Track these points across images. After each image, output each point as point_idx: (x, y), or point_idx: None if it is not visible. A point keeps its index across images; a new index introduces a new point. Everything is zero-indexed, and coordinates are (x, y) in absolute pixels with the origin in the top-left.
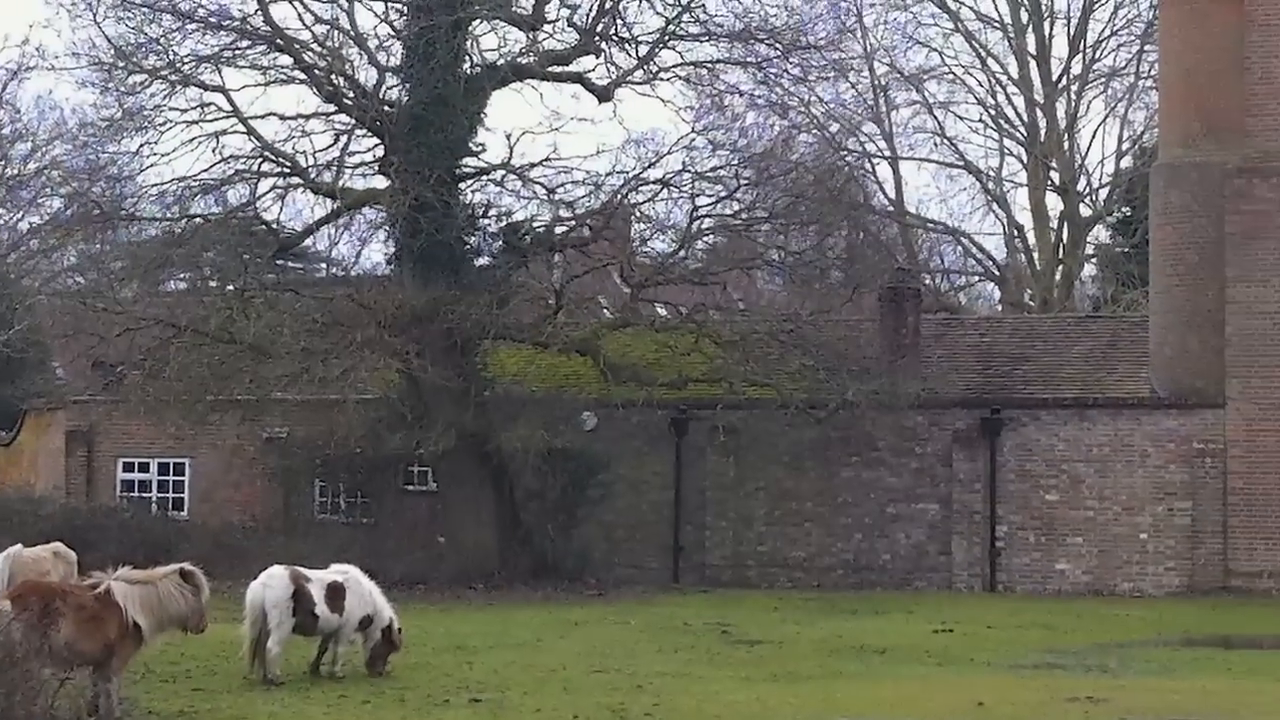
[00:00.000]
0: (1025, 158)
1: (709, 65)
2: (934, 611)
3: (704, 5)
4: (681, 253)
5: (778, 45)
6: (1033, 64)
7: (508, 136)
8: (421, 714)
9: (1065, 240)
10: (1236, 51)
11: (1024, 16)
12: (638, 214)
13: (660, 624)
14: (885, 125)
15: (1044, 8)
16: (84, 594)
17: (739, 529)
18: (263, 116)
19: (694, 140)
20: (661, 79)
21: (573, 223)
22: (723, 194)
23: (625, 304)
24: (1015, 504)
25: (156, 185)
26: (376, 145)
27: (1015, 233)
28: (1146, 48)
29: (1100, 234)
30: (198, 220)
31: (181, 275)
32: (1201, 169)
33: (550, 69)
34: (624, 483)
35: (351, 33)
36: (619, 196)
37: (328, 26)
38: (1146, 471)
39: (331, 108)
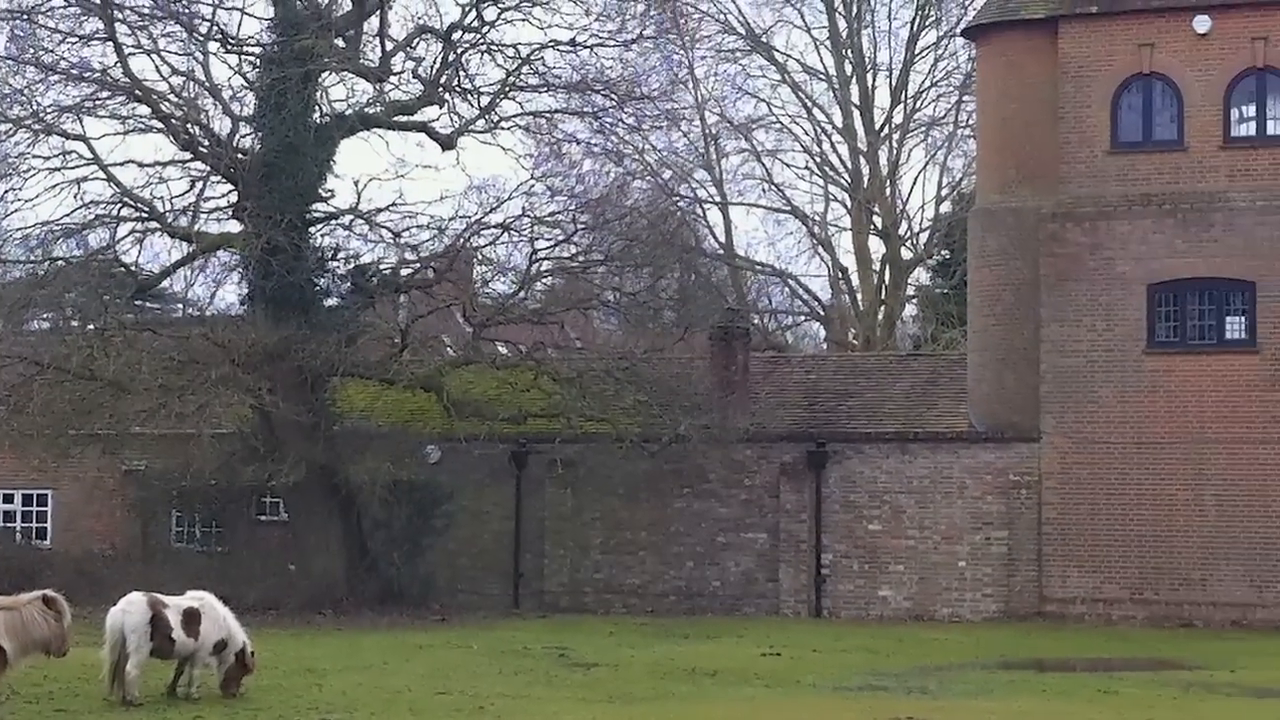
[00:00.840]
0: (849, 203)
1: (548, 115)
2: (762, 636)
3: (543, 58)
4: (521, 294)
5: (613, 96)
6: (856, 114)
7: (355, 183)
8: None
9: (887, 282)
10: (1050, 102)
11: (848, 68)
12: (479, 257)
13: (501, 648)
14: (716, 172)
15: (867, 60)
16: None
17: (576, 557)
18: (122, 164)
19: (533, 186)
20: (502, 128)
21: (417, 265)
22: (560, 238)
23: (468, 343)
24: (840, 533)
25: (21, 229)
26: (230, 191)
27: (840, 275)
28: (965, 98)
29: (921, 276)
30: (60, 263)
31: (44, 315)
32: (1017, 214)
33: (396, 118)
34: (466, 513)
35: (206, 84)
36: (461, 240)
37: (184, 78)
38: (965, 502)
39: (188, 155)
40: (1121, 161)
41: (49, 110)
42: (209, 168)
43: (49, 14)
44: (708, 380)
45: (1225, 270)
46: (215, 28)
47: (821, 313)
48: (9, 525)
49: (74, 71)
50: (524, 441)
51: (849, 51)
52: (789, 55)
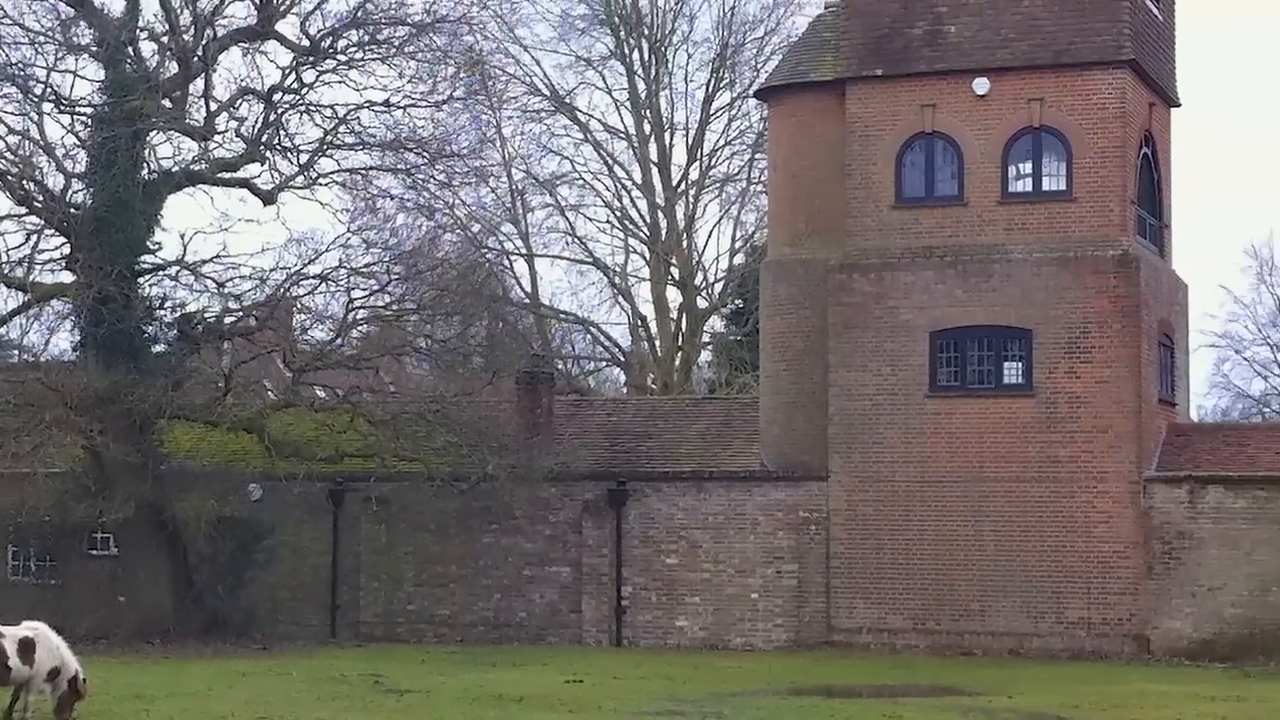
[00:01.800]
0: (648, 255)
1: (363, 172)
2: (566, 664)
3: (359, 118)
4: (338, 340)
5: (425, 154)
6: (655, 170)
7: (182, 236)
8: None
9: (684, 329)
10: (838, 159)
11: (647, 128)
12: (299, 305)
13: (319, 675)
14: (522, 225)
15: (665, 120)
16: None
17: (390, 589)
18: None
19: (350, 239)
20: (320, 184)
21: (240, 314)
22: (375, 288)
23: (288, 387)
24: (639, 567)
25: None
26: (64, 244)
27: (639, 323)
28: (757, 155)
29: (716, 324)
30: None
31: None
32: (807, 265)
33: (220, 175)
34: (286, 548)
35: (41, 142)
36: (282, 290)
37: (19, 137)
38: (757, 537)
39: (23, 210)
40: (905, 216)
41: None
42: (43, 221)
43: None
44: (514, 422)
45: (1003, 318)
46: (49, 89)
47: (622, 359)
48: None
49: None
50: (341, 480)
51: (648, 112)
52: (591, 115)
